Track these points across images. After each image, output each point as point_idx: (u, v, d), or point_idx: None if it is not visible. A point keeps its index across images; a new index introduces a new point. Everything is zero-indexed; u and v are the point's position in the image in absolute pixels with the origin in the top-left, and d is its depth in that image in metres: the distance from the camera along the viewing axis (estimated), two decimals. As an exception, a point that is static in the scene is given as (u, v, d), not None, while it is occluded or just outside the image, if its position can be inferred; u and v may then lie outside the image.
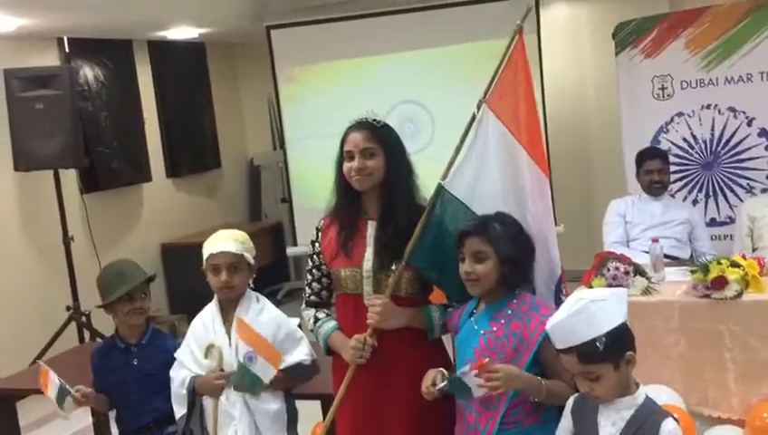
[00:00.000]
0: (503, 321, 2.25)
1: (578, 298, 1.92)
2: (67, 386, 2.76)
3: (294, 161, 6.37)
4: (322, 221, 2.60)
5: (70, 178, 5.93)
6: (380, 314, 2.37)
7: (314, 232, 2.60)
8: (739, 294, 3.26)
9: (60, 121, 5.26)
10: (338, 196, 2.52)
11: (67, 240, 5.52)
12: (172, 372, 2.77)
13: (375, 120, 2.47)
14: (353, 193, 2.47)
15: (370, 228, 2.47)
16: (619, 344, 1.89)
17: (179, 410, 2.71)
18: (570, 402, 2.06)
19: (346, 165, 2.44)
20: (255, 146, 8.43)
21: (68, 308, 5.46)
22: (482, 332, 2.26)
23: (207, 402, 2.68)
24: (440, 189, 2.42)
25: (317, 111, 6.13)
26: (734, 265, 3.32)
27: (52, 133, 5.24)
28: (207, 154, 7.81)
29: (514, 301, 2.28)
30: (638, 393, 1.94)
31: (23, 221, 5.78)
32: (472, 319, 2.32)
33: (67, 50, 6.13)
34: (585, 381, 1.90)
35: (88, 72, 6.31)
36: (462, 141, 2.47)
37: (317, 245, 2.57)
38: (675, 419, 1.90)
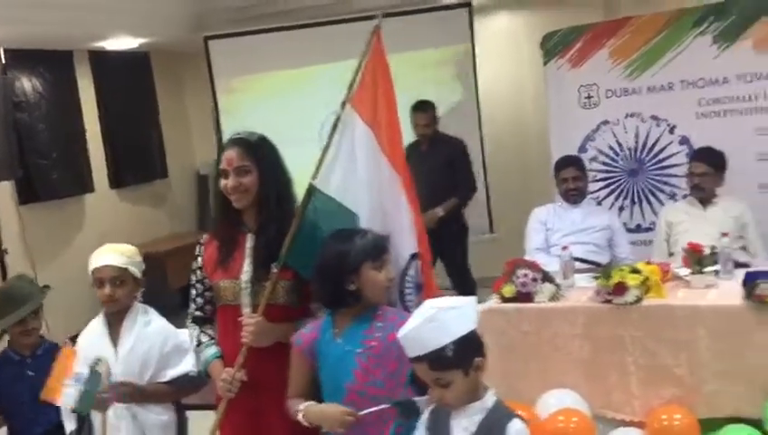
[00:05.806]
0: (378, 334, 2.23)
1: (428, 307, 1.96)
2: None
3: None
4: (205, 236, 2.63)
5: (4, 189, 5.89)
6: (254, 332, 2.39)
7: (197, 247, 2.63)
8: (638, 300, 3.34)
9: (-9, 133, 5.26)
10: (216, 211, 2.55)
11: (0, 253, 5.50)
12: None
13: (250, 134, 2.51)
14: (232, 208, 2.50)
15: (249, 241, 2.50)
16: (468, 350, 1.93)
17: (69, 426, 2.73)
18: (425, 417, 2.07)
19: (222, 182, 2.47)
20: (203, 155, 8.40)
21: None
22: (357, 351, 2.21)
23: (96, 417, 2.67)
24: (312, 189, 2.48)
25: (257, 121, 6.02)
26: (635, 271, 3.41)
27: (-17, 145, 5.23)
28: (154, 164, 7.80)
29: (378, 312, 2.27)
30: (487, 397, 1.97)
31: (-44, 234, 5.74)
32: (338, 340, 2.26)
33: (3, 61, 6.10)
34: (437, 389, 1.95)
35: (25, 83, 6.28)
36: (329, 141, 2.54)
37: (199, 259, 2.60)
38: (522, 419, 1.94)
